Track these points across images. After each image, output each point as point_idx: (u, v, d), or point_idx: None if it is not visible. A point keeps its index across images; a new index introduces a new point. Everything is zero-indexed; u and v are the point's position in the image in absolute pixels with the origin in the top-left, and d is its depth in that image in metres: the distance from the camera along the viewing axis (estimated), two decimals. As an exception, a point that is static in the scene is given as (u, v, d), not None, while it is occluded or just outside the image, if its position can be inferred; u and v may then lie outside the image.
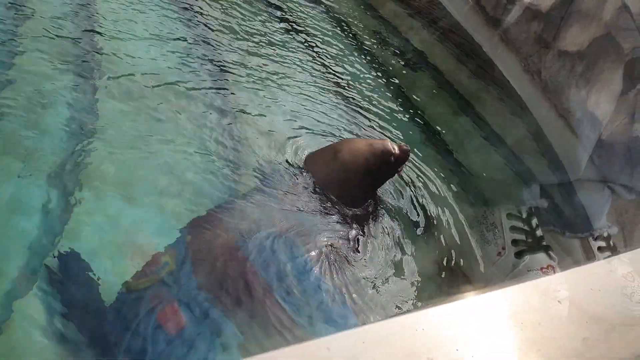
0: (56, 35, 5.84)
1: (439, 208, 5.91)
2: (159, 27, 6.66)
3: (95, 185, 4.56)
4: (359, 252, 4.95)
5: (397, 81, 8.08)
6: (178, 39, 6.62)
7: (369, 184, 5.48)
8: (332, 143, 5.59)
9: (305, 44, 7.81)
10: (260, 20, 7.79)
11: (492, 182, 7.02)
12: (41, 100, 5.04)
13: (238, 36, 7.19)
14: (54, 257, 3.96)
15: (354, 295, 4.47)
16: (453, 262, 5.46)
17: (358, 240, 5.05)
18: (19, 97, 4.97)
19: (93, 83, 5.48)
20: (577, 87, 8.10)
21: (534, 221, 6.16)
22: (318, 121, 6.32)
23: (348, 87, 7.30)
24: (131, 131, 5.16)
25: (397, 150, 5.35)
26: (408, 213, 5.64)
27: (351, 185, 5.32)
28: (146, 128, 5.23)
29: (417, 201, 5.86)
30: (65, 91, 5.26)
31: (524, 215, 6.22)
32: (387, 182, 5.72)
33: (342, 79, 7.43)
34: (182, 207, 4.66)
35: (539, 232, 6.04)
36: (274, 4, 8.45)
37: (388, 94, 7.63)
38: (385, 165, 5.36)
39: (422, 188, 6.07)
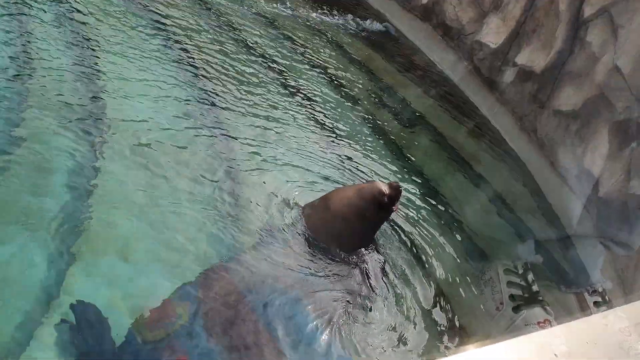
0: (59, 94, 5.99)
1: (438, 263, 5.93)
2: (161, 86, 6.84)
3: (97, 245, 4.61)
4: (363, 309, 4.97)
5: (395, 140, 8.20)
6: (178, 98, 6.79)
7: (366, 228, 5.47)
8: (323, 195, 5.66)
9: (303, 103, 7.98)
10: (258, 79, 7.99)
11: (490, 237, 7.04)
12: (44, 160, 5.14)
13: (237, 94, 7.37)
14: (70, 308, 4.03)
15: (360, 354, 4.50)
16: (452, 316, 5.44)
17: (360, 296, 5.06)
18: (22, 157, 5.07)
19: (95, 143, 5.59)
20: (573, 145, 8.23)
21: (530, 276, 6.20)
22: (315, 175, 6.42)
23: (346, 144, 7.41)
24: (132, 189, 5.24)
25: (388, 190, 5.33)
26: (406, 269, 5.65)
27: (348, 234, 5.34)
28: (147, 186, 5.31)
29: (416, 257, 5.88)
30: (67, 151, 5.35)
31: (521, 271, 6.26)
32: (388, 236, 5.80)
33: (340, 136, 7.56)
34: (185, 263, 4.71)
35: (535, 287, 6.07)
36: (272, 63, 8.68)
37: (386, 152, 7.74)
38: (379, 207, 5.32)
39: (420, 243, 6.09)
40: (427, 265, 5.85)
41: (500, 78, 10.10)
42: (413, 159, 7.91)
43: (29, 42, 6.64)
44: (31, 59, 6.39)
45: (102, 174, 5.29)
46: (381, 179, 6.47)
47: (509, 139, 9.50)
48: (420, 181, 7.44)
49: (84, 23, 7.48)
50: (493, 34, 10.28)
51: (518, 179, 8.58)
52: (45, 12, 7.36)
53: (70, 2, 7.80)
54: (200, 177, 5.65)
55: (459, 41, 11.27)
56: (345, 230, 5.31)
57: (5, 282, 4.13)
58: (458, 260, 6.17)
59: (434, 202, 7.12)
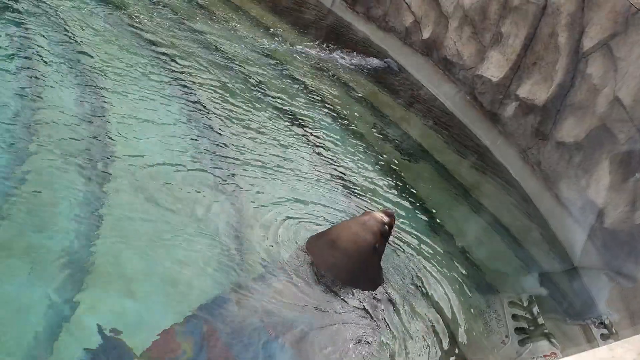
0: (64, 131, 6.05)
1: (442, 296, 5.89)
2: (165, 124, 6.92)
3: (102, 280, 4.61)
4: (368, 344, 4.93)
5: (398, 172, 8.22)
6: (183, 135, 6.85)
7: (377, 260, 5.55)
8: (325, 231, 5.65)
9: (306, 137, 8.04)
10: (260, 115, 8.06)
11: (495, 269, 7.00)
12: (49, 196, 5.17)
13: (239, 129, 7.43)
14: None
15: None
16: (458, 350, 5.37)
17: (366, 330, 5.03)
18: (27, 193, 5.09)
19: (100, 179, 5.62)
20: (577, 177, 8.22)
21: (536, 308, 6.13)
22: (318, 207, 6.42)
23: (349, 177, 7.43)
24: (138, 225, 5.26)
25: (387, 219, 5.51)
26: (411, 303, 5.60)
27: (364, 270, 5.38)
28: (153, 221, 5.34)
29: (420, 290, 5.84)
30: (73, 188, 5.39)
31: (526, 303, 6.20)
32: (393, 269, 5.80)
33: (341, 168, 7.58)
34: (191, 297, 4.71)
35: (540, 320, 6.00)
36: (274, 99, 8.76)
37: (389, 184, 7.75)
38: (384, 236, 5.50)
39: (425, 276, 6.06)
40: (431, 298, 5.80)
41: (502, 111, 10.16)
42: (416, 191, 7.92)
43: (36, 79, 6.74)
44: (38, 96, 6.48)
45: (108, 209, 5.32)
46: (386, 209, 6.43)
47: (513, 171, 9.50)
48: (424, 213, 7.44)
49: (90, 63, 7.59)
50: (494, 67, 10.38)
51: (522, 211, 8.56)
52: (51, 51, 7.48)
53: (76, 41, 7.94)
54: (206, 212, 5.67)
55: (460, 75, 11.37)
56: (360, 266, 5.36)
57: (9, 320, 4.11)
58: (463, 293, 6.13)
59: (437, 234, 7.10)
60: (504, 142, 10.01)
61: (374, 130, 9.40)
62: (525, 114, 9.57)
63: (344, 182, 7.32)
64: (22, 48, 7.27)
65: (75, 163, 5.67)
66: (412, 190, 7.89)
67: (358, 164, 7.94)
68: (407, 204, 7.48)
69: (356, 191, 7.20)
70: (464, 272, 6.55)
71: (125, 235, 5.10)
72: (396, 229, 6.51)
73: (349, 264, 5.34)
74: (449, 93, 11.57)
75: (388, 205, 7.10)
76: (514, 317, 6.00)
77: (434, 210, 7.62)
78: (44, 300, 4.31)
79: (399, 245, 6.40)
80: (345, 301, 5.21)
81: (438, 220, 7.44)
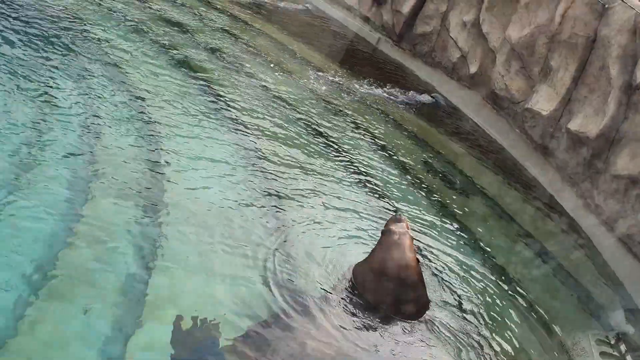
0: (123, 165, 6.30)
1: (500, 335, 5.78)
2: (218, 161, 7.11)
3: (157, 315, 4.74)
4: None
5: (448, 208, 8.20)
6: (238, 172, 7.02)
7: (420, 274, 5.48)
8: (364, 266, 5.58)
9: (354, 171, 8.10)
10: (308, 149, 8.19)
11: (553, 307, 6.86)
12: (107, 233, 5.38)
13: (290, 163, 7.56)
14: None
15: None
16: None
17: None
18: (86, 231, 5.32)
19: (157, 215, 5.82)
20: (634, 211, 8.06)
21: (623, 346, 6.00)
22: (370, 242, 6.46)
23: (399, 212, 7.45)
24: (192, 258, 5.41)
25: (406, 225, 5.49)
26: (470, 342, 5.53)
27: (418, 292, 5.38)
28: (206, 254, 5.48)
29: (477, 329, 5.76)
30: (130, 223, 5.60)
31: (613, 341, 6.07)
32: (448, 307, 5.80)
33: (392, 203, 7.61)
34: (244, 326, 4.79)
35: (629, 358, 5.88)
36: (322, 135, 8.91)
37: (440, 220, 7.73)
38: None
39: (481, 314, 5.99)
40: (490, 339, 5.72)
41: (553, 145, 10.08)
42: (468, 226, 7.88)
43: (93, 123, 7.04)
44: (97, 138, 6.77)
45: (163, 243, 5.49)
46: (394, 216, 6.27)
47: (566, 205, 9.37)
48: (476, 249, 7.38)
49: (147, 104, 7.90)
50: (543, 101, 10.33)
51: (577, 246, 8.40)
52: (109, 95, 7.82)
53: (133, 85, 8.28)
54: (255, 244, 5.78)
55: (509, 109, 11.35)
56: (415, 289, 5.36)
57: (72, 352, 4.27)
58: (521, 332, 6.03)
59: (491, 271, 7.02)
60: (556, 176, 9.90)
61: (424, 166, 9.43)
62: (577, 147, 9.47)
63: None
64: (82, 90, 7.63)
65: (131, 199, 5.90)
66: (463, 224, 7.85)
67: (409, 201, 7.97)
68: (458, 239, 7.43)
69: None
70: (519, 308, 6.46)
71: (179, 267, 5.26)
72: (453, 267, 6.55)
73: (404, 291, 5.31)
74: (498, 127, 11.54)
75: (438, 242, 7.08)
76: (602, 354, 5.90)
77: (486, 246, 7.56)
78: (103, 333, 4.45)
79: (457, 284, 6.37)
80: (398, 333, 5.20)
81: (490, 255, 7.36)
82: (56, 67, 8.01)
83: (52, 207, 5.46)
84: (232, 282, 5.27)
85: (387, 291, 5.31)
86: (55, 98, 7.25)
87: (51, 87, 7.48)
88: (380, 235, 5.62)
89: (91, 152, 6.51)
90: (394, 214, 5.80)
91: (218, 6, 13.84)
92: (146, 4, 12.09)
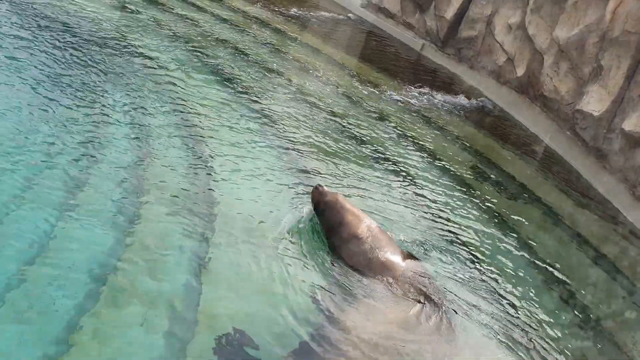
0: (173, 181, 6.41)
1: (554, 344, 5.60)
2: (267, 171, 7.17)
3: (210, 326, 4.79)
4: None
5: (500, 214, 8.03)
6: (285, 184, 7.06)
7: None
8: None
9: (404, 180, 8.04)
10: (356, 157, 8.16)
11: (611, 314, 6.64)
12: (162, 248, 5.47)
13: (339, 173, 7.56)
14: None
15: None
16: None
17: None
18: (137, 244, 5.43)
19: (207, 226, 5.89)
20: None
21: None
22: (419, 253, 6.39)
23: (450, 221, 7.34)
24: (243, 272, 5.44)
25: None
26: (524, 352, 5.40)
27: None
28: (257, 269, 5.49)
29: (527, 334, 5.61)
30: (183, 236, 5.68)
31: None
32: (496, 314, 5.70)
33: (442, 213, 7.51)
34: (292, 343, 4.81)
35: None
36: (370, 144, 8.87)
37: (493, 226, 7.58)
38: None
39: (535, 323, 5.83)
40: (543, 345, 5.57)
41: (606, 146, 9.79)
42: (521, 232, 7.70)
43: (145, 142, 7.19)
44: (149, 152, 6.92)
45: (214, 256, 5.55)
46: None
47: (622, 208, 9.07)
48: (531, 256, 7.19)
49: (196, 123, 8.04)
50: (595, 102, 10.06)
51: (636, 251, 8.12)
52: (157, 109, 7.98)
53: (179, 98, 8.44)
54: (309, 258, 5.78)
55: (559, 111, 11.09)
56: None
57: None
58: (578, 342, 5.84)
59: (547, 278, 6.84)
60: (611, 179, 9.60)
61: (474, 172, 9.28)
62: (633, 147, 9.17)
63: (444, 224, 7.22)
64: (132, 109, 7.83)
65: (182, 214, 5.97)
66: (516, 231, 7.68)
67: (457, 206, 7.84)
68: (511, 246, 7.25)
69: (457, 234, 7.10)
70: (577, 317, 6.27)
71: (230, 281, 5.29)
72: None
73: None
74: (548, 129, 11.29)
75: (492, 249, 6.95)
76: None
77: (540, 252, 7.35)
78: (159, 344, 4.52)
79: (510, 289, 6.23)
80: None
81: (546, 262, 7.16)
82: (106, 84, 8.26)
83: (105, 220, 5.59)
84: (284, 293, 5.27)
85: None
86: (106, 115, 7.45)
87: (102, 104, 7.69)
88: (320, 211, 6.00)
89: (141, 164, 6.65)
90: (314, 187, 6.12)
91: (262, 19, 14.01)
92: (190, 20, 12.34)
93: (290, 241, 5.97)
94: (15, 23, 9.28)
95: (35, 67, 8.08)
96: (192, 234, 5.75)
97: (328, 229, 5.89)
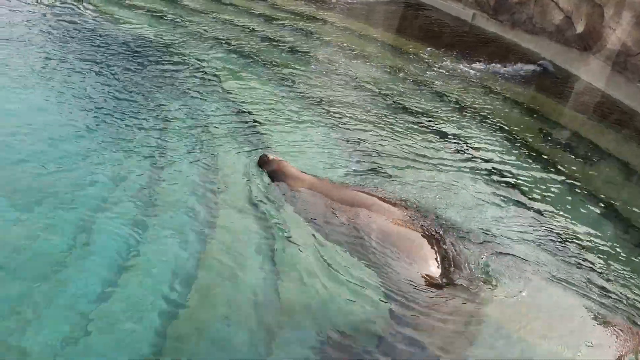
0: (241, 182, 6.48)
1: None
2: (331, 161, 7.13)
3: (290, 322, 4.83)
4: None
5: (573, 175, 7.73)
6: (347, 167, 7.02)
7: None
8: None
9: (470, 154, 7.85)
10: (419, 134, 8.04)
11: None
12: (236, 246, 5.54)
13: (404, 156, 7.46)
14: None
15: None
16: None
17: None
18: (220, 251, 5.52)
19: (278, 223, 5.92)
20: None
21: None
22: (496, 226, 6.22)
23: (523, 192, 7.12)
24: (319, 264, 5.43)
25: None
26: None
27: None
28: (331, 260, 5.49)
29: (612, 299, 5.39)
30: (256, 235, 5.73)
31: None
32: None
33: (513, 180, 7.30)
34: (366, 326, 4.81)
35: None
36: (431, 118, 8.71)
37: (566, 190, 7.31)
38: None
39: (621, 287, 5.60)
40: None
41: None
42: (599, 193, 7.39)
43: (208, 140, 7.29)
44: (212, 154, 6.99)
45: (289, 251, 5.57)
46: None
47: None
48: (610, 217, 6.89)
49: (251, 115, 8.11)
50: (664, 48, 9.55)
51: None
52: (216, 110, 8.09)
53: (236, 98, 8.52)
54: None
55: (626, 63, 10.58)
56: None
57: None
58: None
59: (630, 238, 6.55)
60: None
61: (541, 137, 8.98)
62: None
63: (518, 196, 7.00)
64: (193, 113, 7.95)
65: (255, 210, 6.05)
66: (596, 194, 7.38)
67: (531, 175, 7.60)
68: (595, 210, 7.00)
69: (535, 205, 6.88)
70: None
71: (306, 274, 5.30)
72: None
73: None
74: (616, 84, 10.80)
75: (572, 219, 6.69)
76: None
77: (625, 215, 7.04)
78: (243, 339, 4.60)
79: (593, 259, 6.00)
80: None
81: (630, 223, 6.87)
82: (166, 91, 8.47)
83: (182, 224, 5.71)
84: (357, 286, 5.23)
85: None
86: (169, 121, 7.62)
87: (165, 110, 7.88)
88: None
89: (211, 167, 6.75)
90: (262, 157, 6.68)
91: (303, 11, 14.00)
92: (236, 23, 12.46)
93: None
94: (67, 44, 9.61)
95: (97, 82, 8.38)
96: (265, 230, 5.79)
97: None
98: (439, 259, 5.47)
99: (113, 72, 8.84)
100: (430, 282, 5.23)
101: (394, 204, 6.14)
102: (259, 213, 6.04)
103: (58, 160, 6.39)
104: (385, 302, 5.00)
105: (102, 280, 4.90)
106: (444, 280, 5.27)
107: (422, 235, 5.69)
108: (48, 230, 5.33)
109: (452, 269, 5.42)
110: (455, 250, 5.66)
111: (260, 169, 6.67)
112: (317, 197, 6.22)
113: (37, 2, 11.49)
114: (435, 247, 5.60)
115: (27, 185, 5.90)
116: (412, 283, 5.18)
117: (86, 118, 7.36)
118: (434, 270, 5.35)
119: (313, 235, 5.74)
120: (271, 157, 6.72)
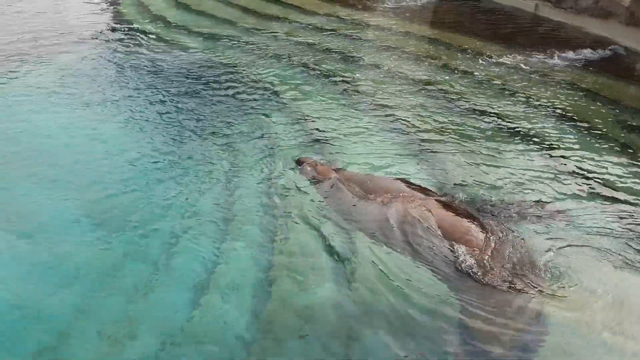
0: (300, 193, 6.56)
1: None
2: (398, 169, 7.09)
3: (363, 332, 4.82)
4: None
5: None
6: (406, 171, 6.96)
7: None
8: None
9: (547, 153, 7.53)
10: (490, 135, 7.83)
11: None
12: (304, 259, 5.60)
13: (474, 155, 7.31)
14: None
15: None
16: None
17: None
18: (285, 261, 5.57)
19: (347, 233, 5.92)
20: None
21: None
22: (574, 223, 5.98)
23: (602, 183, 6.83)
24: (390, 270, 5.39)
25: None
26: None
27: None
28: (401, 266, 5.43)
29: None
30: (325, 246, 5.73)
31: None
32: None
33: (592, 175, 6.99)
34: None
35: None
36: (499, 117, 8.50)
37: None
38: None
39: None
40: None
41: None
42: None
43: (274, 154, 7.40)
44: (278, 169, 7.08)
45: (357, 260, 5.56)
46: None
47: None
48: None
49: (314, 125, 8.16)
50: None
51: None
52: (284, 125, 8.17)
53: (300, 110, 8.61)
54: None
55: None
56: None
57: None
58: None
59: None
60: None
61: (619, 125, 8.58)
62: None
63: (599, 189, 6.71)
64: (262, 129, 8.08)
65: (324, 222, 6.04)
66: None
67: (611, 167, 7.26)
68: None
69: (614, 194, 6.56)
70: None
71: (376, 279, 5.29)
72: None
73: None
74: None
75: None
76: None
77: None
78: (320, 355, 4.61)
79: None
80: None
81: None
82: (231, 109, 8.65)
83: (256, 238, 5.80)
84: (426, 293, 5.15)
85: None
86: (237, 138, 7.75)
87: (232, 128, 8.03)
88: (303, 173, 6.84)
89: (278, 180, 6.82)
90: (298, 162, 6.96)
91: (360, 18, 13.98)
92: (290, 38, 12.58)
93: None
94: (137, 73, 9.95)
95: (167, 107, 8.66)
96: (334, 241, 5.80)
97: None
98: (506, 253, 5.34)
99: (180, 96, 9.11)
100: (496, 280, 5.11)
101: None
102: (326, 222, 6.07)
103: (137, 183, 6.64)
104: (454, 309, 4.92)
105: (186, 299, 5.02)
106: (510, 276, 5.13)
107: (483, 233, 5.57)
108: (132, 254, 5.51)
109: (523, 265, 5.26)
110: (527, 246, 5.49)
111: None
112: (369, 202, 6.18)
113: (104, 36, 12.03)
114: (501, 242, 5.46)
115: (109, 209, 6.16)
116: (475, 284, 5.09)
117: (158, 142, 7.63)
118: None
119: (375, 241, 5.72)
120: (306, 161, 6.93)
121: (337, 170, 6.84)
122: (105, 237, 5.71)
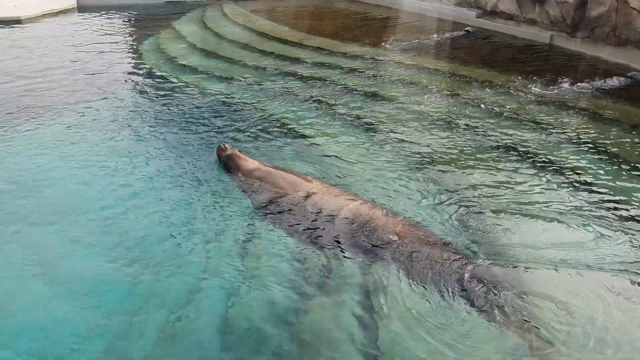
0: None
1: None
2: (422, 207, 7.10)
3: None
4: None
5: None
6: (424, 203, 6.95)
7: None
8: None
9: (573, 185, 7.45)
10: (512, 166, 7.84)
11: None
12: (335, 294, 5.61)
13: (498, 189, 7.29)
14: None
15: None
16: None
17: None
18: (318, 295, 5.60)
19: (371, 264, 5.93)
20: None
21: None
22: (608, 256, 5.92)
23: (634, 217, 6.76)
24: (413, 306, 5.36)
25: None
26: None
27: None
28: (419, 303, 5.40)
29: None
30: (354, 275, 5.80)
31: None
32: None
33: (623, 208, 6.93)
34: None
35: None
36: (523, 150, 8.48)
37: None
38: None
39: None
40: None
41: None
42: None
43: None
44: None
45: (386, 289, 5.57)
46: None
47: None
48: None
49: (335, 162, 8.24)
50: None
51: None
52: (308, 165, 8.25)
53: (317, 146, 8.67)
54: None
55: None
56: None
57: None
58: None
59: None
60: None
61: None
62: None
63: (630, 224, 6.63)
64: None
65: (353, 251, 6.13)
66: None
67: (634, 195, 7.20)
68: None
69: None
70: None
71: (401, 310, 5.28)
72: None
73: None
74: None
75: None
76: None
77: None
78: None
79: None
80: None
81: None
82: (259, 149, 8.82)
83: (280, 272, 5.90)
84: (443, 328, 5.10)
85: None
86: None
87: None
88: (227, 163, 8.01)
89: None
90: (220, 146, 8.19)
91: (379, 56, 14.13)
92: (312, 76, 12.73)
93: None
94: (163, 117, 10.15)
95: (191, 148, 8.84)
96: (363, 270, 5.86)
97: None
98: None
99: (205, 136, 9.34)
100: None
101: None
102: (356, 252, 6.11)
103: (164, 224, 6.80)
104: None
105: (216, 339, 5.09)
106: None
107: None
108: (159, 295, 5.60)
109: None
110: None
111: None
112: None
113: (128, 85, 12.30)
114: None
115: (135, 248, 6.30)
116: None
117: (183, 180, 7.81)
118: None
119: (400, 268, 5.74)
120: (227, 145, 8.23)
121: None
122: (132, 277, 5.84)
